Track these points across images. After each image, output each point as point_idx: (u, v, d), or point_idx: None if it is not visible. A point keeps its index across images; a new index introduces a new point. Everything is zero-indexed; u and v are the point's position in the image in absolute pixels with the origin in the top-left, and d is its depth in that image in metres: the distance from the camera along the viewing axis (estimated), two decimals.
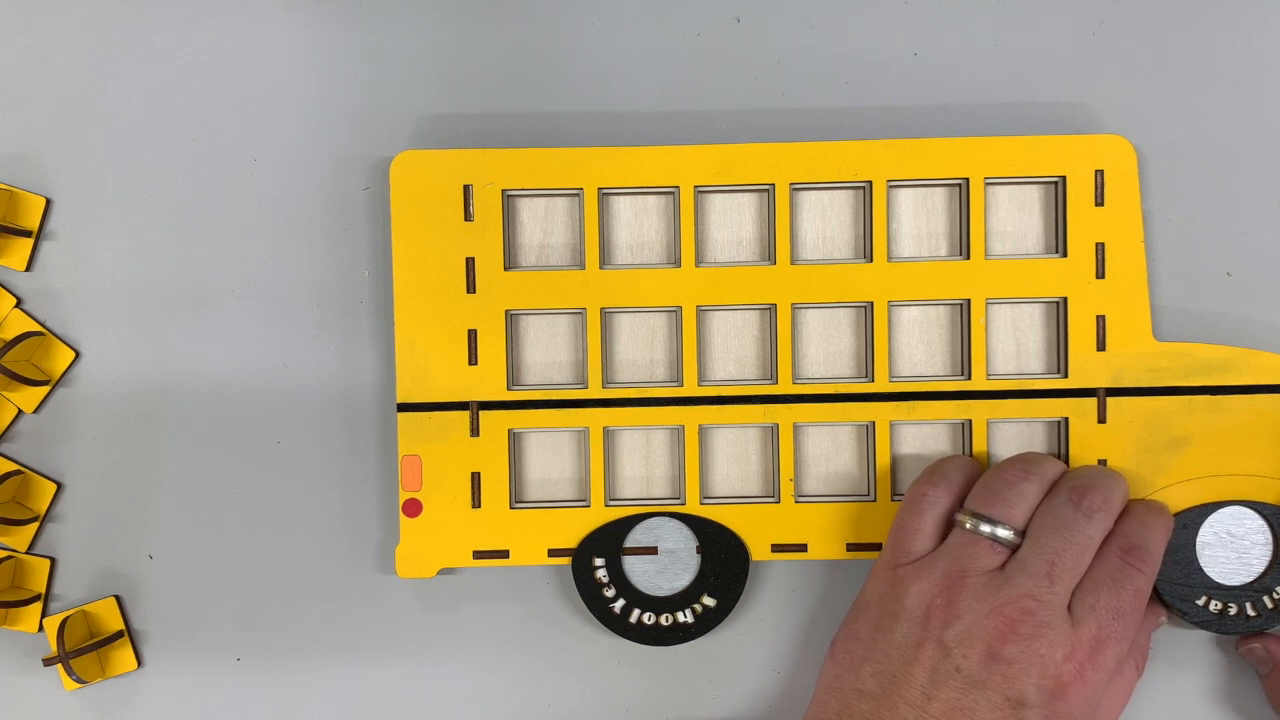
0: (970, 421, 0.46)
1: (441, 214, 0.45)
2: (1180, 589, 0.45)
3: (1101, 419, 0.45)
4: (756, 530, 0.46)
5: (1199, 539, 0.45)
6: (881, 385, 0.46)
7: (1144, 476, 0.45)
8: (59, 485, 0.48)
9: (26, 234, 0.47)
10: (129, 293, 0.47)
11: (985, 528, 0.41)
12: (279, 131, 0.47)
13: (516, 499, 0.46)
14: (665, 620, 0.45)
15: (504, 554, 0.46)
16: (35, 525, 0.47)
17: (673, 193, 0.46)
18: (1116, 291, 0.45)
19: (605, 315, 0.46)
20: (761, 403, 0.46)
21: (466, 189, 0.45)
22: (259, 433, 0.47)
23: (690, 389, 0.46)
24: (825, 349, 0.47)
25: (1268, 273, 0.47)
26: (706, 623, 0.45)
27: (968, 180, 0.45)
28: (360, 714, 0.47)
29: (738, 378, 0.47)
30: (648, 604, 0.45)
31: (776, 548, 0.46)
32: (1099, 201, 0.45)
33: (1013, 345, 0.46)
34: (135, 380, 0.47)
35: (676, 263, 0.46)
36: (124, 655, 0.47)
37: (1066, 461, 0.45)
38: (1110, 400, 0.45)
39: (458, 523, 0.46)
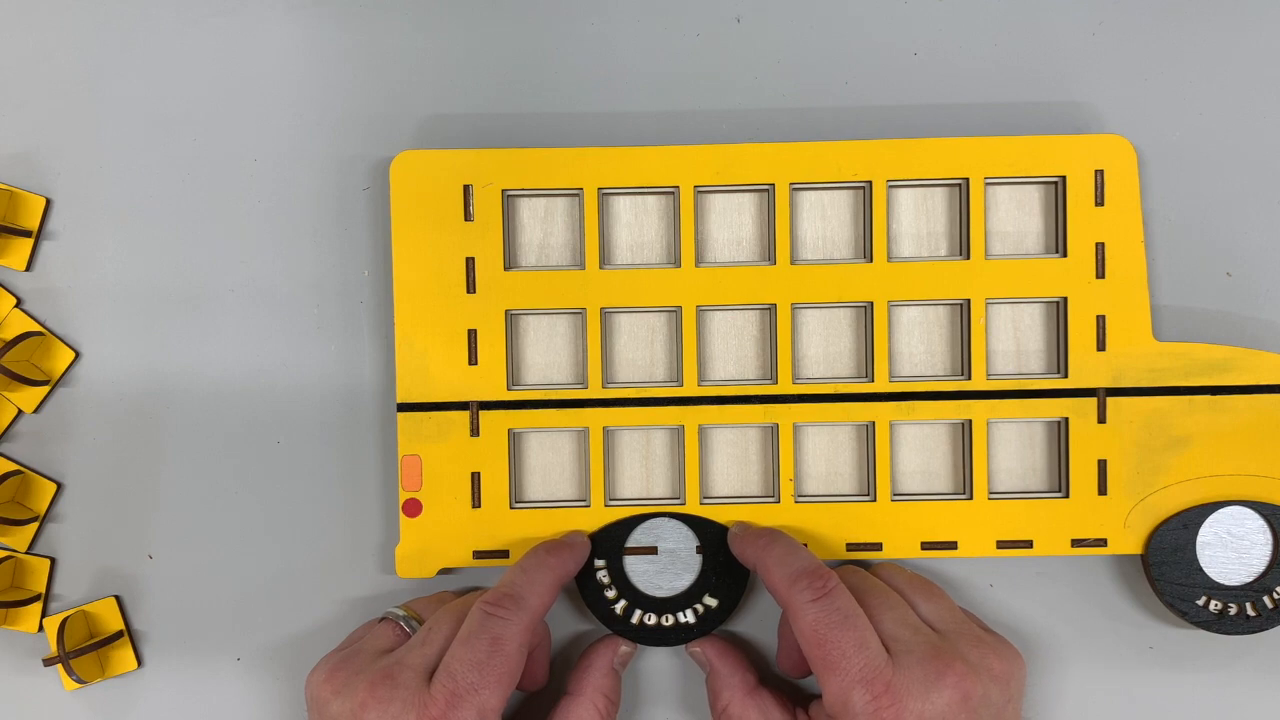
0: (970, 421, 0.46)
1: (441, 214, 0.45)
2: (1180, 589, 0.45)
3: (1101, 419, 0.45)
4: None
5: (1199, 539, 0.45)
6: (881, 385, 0.46)
7: (1144, 477, 0.45)
8: (59, 485, 0.48)
9: (26, 234, 0.47)
10: (129, 293, 0.47)
11: (396, 611, 0.45)
12: (279, 132, 0.47)
13: (516, 499, 0.46)
14: (667, 620, 0.45)
15: (504, 554, 0.46)
16: (35, 525, 0.47)
17: (673, 193, 0.46)
18: (1116, 291, 0.45)
19: (605, 315, 0.46)
20: (761, 403, 0.46)
21: (466, 189, 0.45)
22: (259, 433, 0.47)
23: (690, 389, 0.46)
24: (825, 349, 0.47)
25: (1268, 273, 0.47)
26: (708, 622, 0.45)
27: (968, 180, 0.45)
28: None
29: (737, 378, 0.47)
30: (649, 604, 0.45)
31: None
32: (1099, 201, 0.45)
33: (1013, 345, 0.46)
34: (135, 380, 0.47)
35: (676, 263, 0.46)
36: (124, 655, 0.47)
37: (1065, 463, 0.45)
38: (1110, 400, 0.45)
39: (458, 523, 0.46)
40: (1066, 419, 0.46)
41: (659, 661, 0.48)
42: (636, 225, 0.46)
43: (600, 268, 0.46)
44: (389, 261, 0.47)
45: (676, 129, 0.47)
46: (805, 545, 0.44)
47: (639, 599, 0.45)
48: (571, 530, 0.46)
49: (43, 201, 0.47)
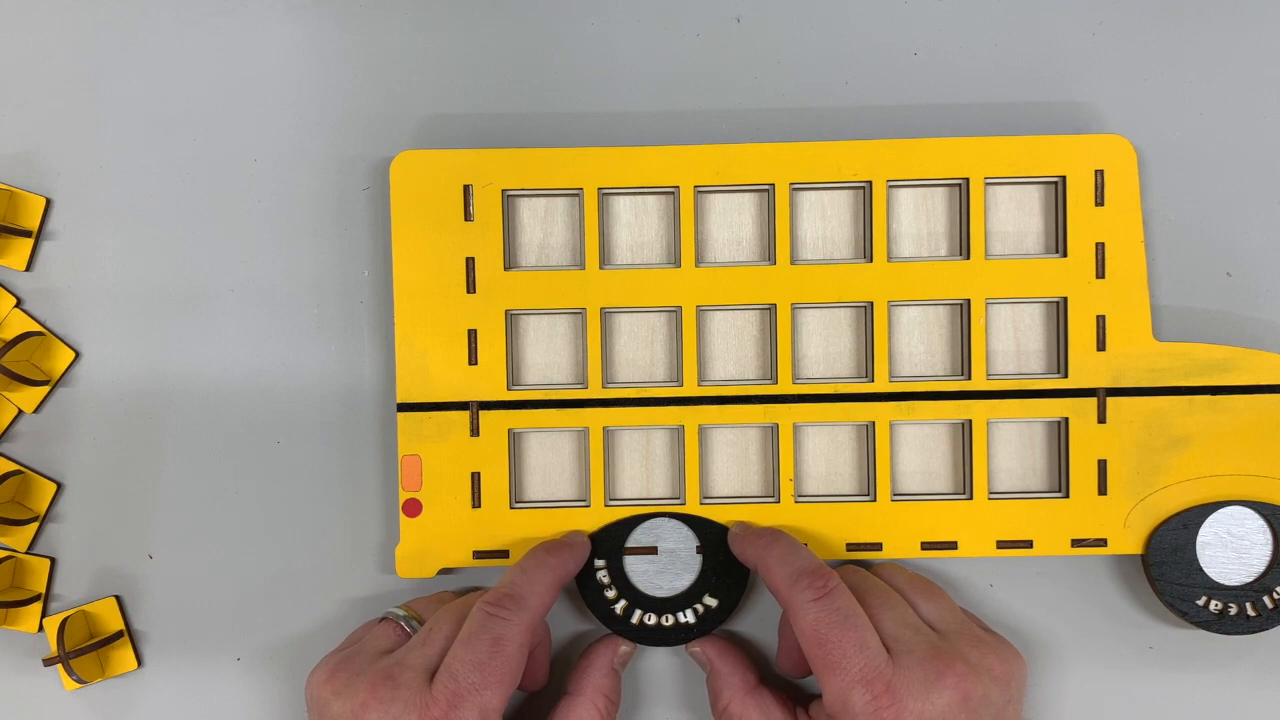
0: (970, 421, 0.46)
1: (441, 214, 0.45)
2: (1180, 589, 0.45)
3: (1101, 419, 0.45)
4: None
5: (1199, 539, 0.45)
6: (881, 385, 0.46)
7: (1144, 477, 0.45)
8: (59, 485, 0.48)
9: (26, 234, 0.47)
10: (129, 293, 0.47)
11: (396, 611, 0.45)
12: (279, 132, 0.47)
13: (516, 499, 0.46)
14: (667, 620, 0.45)
15: (504, 554, 0.46)
16: (35, 525, 0.47)
17: (673, 193, 0.46)
18: (1116, 291, 0.45)
19: (605, 315, 0.46)
20: (761, 403, 0.46)
21: (466, 189, 0.45)
22: (259, 433, 0.47)
23: (690, 389, 0.46)
24: (825, 349, 0.47)
25: (1268, 273, 0.47)
26: (708, 622, 0.45)
27: (968, 180, 0.45)
28: None
29: (737, 378, 0.47)
30: (649, 604, 0.45)
31: None
32: (1099, 201, 0.45)
33: (1013, 345, 0.46)
34: (135, 380, 0.47)
35: (676, 263, 0.46)
36: (124, 655, 0.47)
37: (1065, 463, 0.45)
38: (1110, 400, 0.45)
39: (458, 523, 0.46)
40: (1066, 419, 0.46)
41: (659, 661, 0.48)
42: (636, 225, 0.46)
43: (600, 268, 0.46)
44: (389, 261, 0.47)
45: (676, 129, 0.47)
46: (805, 545, 0.44)
47: (639, 599, 0.45)
48: (571, 530, 0.46)
49: (43, 201, 0.47)
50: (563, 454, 0.47)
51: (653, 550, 0.46)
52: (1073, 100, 0.47)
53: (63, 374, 0.47)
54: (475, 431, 0.46)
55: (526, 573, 0.43)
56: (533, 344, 0.47)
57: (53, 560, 0.48)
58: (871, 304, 0.46)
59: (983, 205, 0.45)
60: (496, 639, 0.40)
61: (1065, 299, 0.45)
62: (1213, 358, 0.45)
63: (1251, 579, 0.45)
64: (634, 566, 0.46)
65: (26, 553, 0.48)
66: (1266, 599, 0.45)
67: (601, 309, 0.46)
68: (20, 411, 0.48)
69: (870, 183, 0.45)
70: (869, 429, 0.46)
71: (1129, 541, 0.46)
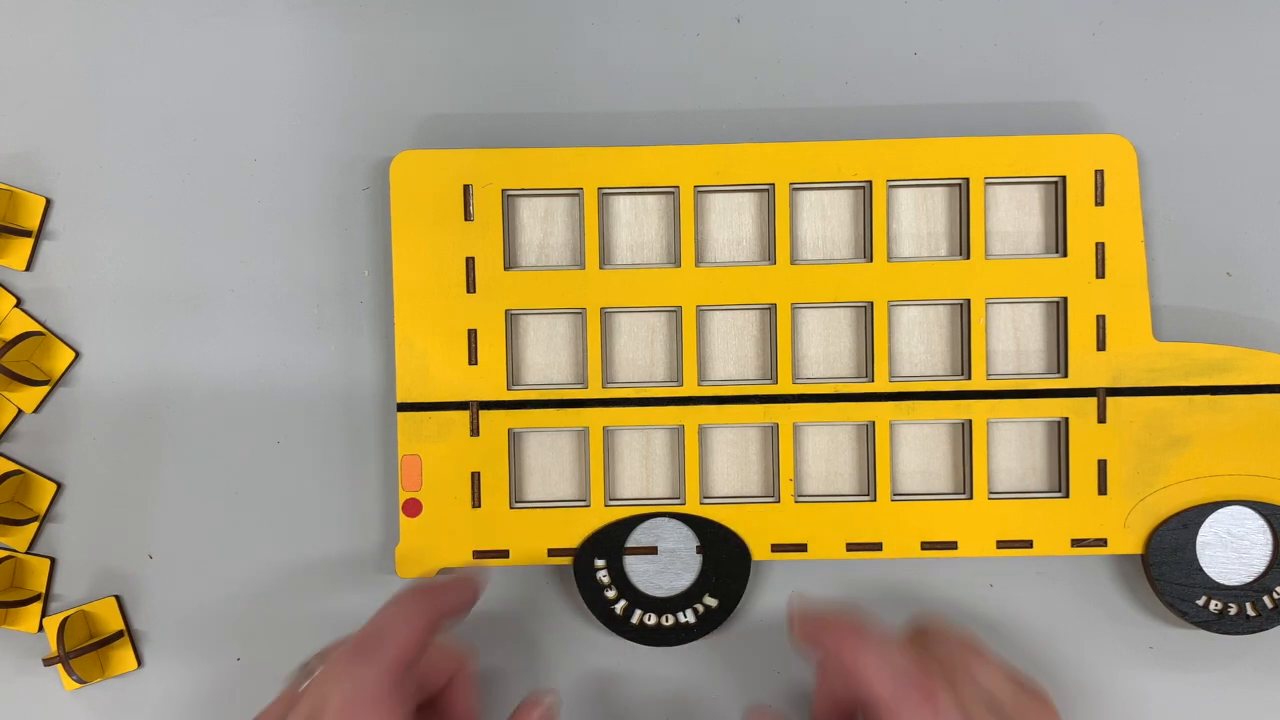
0: (970, 421, 0.46)
1: (441, 214, 0.45)
2: (1180, 589, 0.45)
3: (1101, 419, 0.45)
4: (757, 530, 0.46)
5: (1199, 539, 0.45)
6: (881, 385, 0.46)
7: (1144, 477, 0.45)
8: (59, 485, 0.48)
9: (26, 234, 0.47)
10: (129, 293, 0.47)
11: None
12: (279, 132, 0.47)
13: (516, 499, 0.46)
14: (667, 621, 0.45)
15: (504, 554, 0.46)
16: (35, 525, 0.47)
17: (673, 193, 0.46)
18: (1116, 291, 0.45)
19: (605, 315, 0.46)
20: (761, 403, 0.46)
21: (466, 189, 0.46)
22: (259, 433, 0.47)
23: (690, 389, 0.46)
24: (825, 349, 0.47)
25: (1268, 273, 0.47)
26: (708, 623, 0.45)
27: (968, 180, 0.45)
28: None
29: (737, 378, 0.47)
30: (649, 604, 0.45)
31: (776, 548, 0.46)
32: (1099, 201, 0.45)
33: (1013, 345, 0.46)
34: (135, 380, 0.47)
35: (676, 263, 0.46)
36: (124, 655, 0.47)
37: (1065, 463, 0.45)
38: (1110, 400, 0.45)
39: (458, 523, 0.46)
40: (1066, 419, 0.46)
41: (658, 666, 0.47)
42: (636, 225, 0.46)
43: (600, 268, 0.46)
44: (389, 261, 0.47)
45: (676, 129, 0.47)
46: (888, 632, 0.40)
47: (639, 599, 0.45)
48: (467, 566, 0.44)
49: (43, 201, 0.47)
50: (562, 454, 0.47)
51: (653, 550, 0.46)
52: (1073, 100, 0.47)
53: (63, 374, 0.47)
54: (475, 431, 0.46)
55: (395, 606, 0.40)
56: (533, 344, 0.47)
57: (53, 560, 0.48)
58: (871, 304, 0.46)
59: (983, 205, 0.45)
60: (347, 699, 0.37)
61: (1065, 299, 0.45)
62: (1213, 358, 0.45)
63: (1251, 579, 0.45)
64: (634, 566, 0.46)
65: (26, 553, 0.48)
66: (1266, 599, 0.45)
67: (601, 309, 0.46)
68: (20, 411, 0.48)
69: (870, 183, 0.45)
70: (869, 429, 0.46)
71: (1129, 541, 0.46)
